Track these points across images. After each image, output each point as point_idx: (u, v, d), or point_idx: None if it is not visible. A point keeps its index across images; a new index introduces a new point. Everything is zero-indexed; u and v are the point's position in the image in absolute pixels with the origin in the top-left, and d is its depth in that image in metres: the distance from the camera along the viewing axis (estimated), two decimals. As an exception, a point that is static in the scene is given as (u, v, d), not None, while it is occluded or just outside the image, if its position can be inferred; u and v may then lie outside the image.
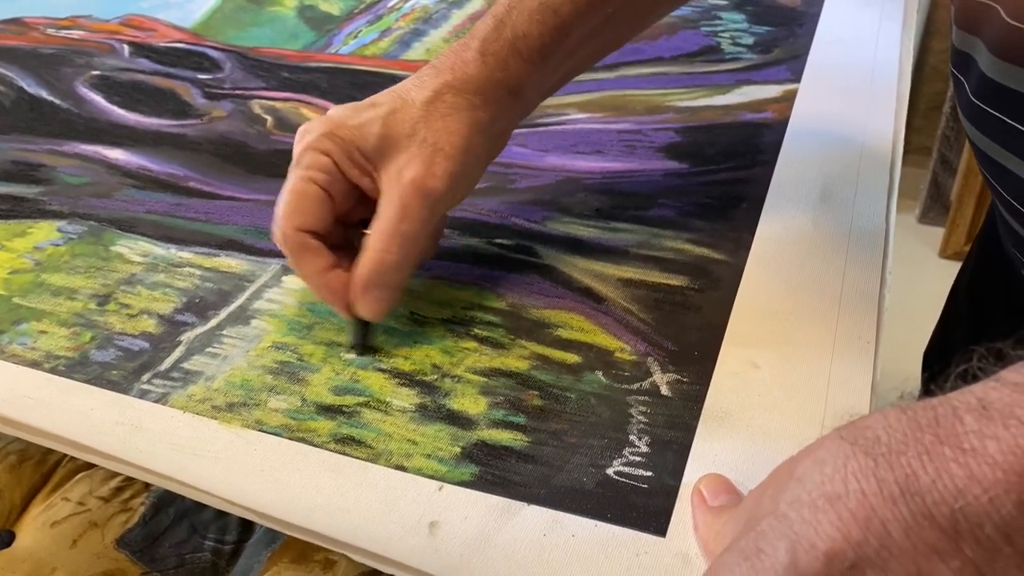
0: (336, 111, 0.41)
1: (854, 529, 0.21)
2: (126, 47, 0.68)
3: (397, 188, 0.38)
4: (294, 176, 0.39)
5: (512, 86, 0.42)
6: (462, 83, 0.40)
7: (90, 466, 0.63)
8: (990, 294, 0.53)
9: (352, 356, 0.39)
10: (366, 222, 0.39)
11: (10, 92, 0.62)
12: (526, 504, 0.32)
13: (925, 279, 0.62)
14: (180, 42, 0.69)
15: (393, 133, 0.39)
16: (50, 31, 0.71)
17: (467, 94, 0.40)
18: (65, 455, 0.60)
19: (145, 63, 0.65)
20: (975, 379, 0.22)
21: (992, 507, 0.19)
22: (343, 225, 0.41)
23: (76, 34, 0.70)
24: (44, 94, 0.61)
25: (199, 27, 0.72)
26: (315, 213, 0.39)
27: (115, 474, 0.63)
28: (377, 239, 0.38)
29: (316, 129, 0.40)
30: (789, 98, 0.59)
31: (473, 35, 0.42)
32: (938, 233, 1.70)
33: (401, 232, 0.38)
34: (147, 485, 0.61)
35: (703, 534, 0.30)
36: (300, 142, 0.40)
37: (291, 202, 0.38)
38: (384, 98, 0.41)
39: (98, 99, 0.61)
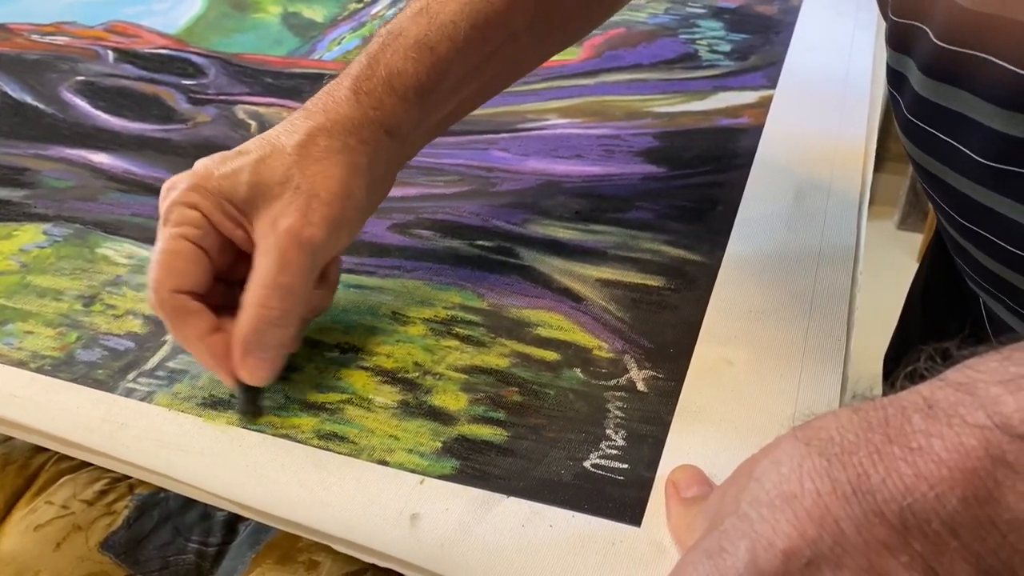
0: (202, 162, 0.38)
1: (810, 527, 0.22)
2: (110, 53, 0.68)
3: (273, 239, 0.36)
4: (164, 235, 0.36)
5: (388, 125, 0.40)
6: (335, 124, 0.38)
7: (74, 469, 0.64)
8: (942, 299, 0.54)
9: (252, 419, 0.37)
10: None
11: (-5, 97, 0.62)
12: (505, 496, 0.33)
13: (904, 284, 0.64)
14: (164, 48, 0.69)
15: (264, 181, 0.36)
16: (35, 37, 0.71)
17: (341, 136, 0.38)
18: (48, 459, 0.61)
19: (130, 69, 0.66)
20: (923, 379, 0.23)
21: (938, 503, 0.20)
22: (224, 284, 0.38)
23: (60, 40, 0.71)
24: (29, 99, 0.62)
25: (183, 33, 0.72)
26: (191, 272, 0.36)
27: (99, 477, 0.64)
28: (255, 294, 0.35)
29: (182, 183, 0.37)
30: (765, 104, 0.60)
31: (346, 74, 0.40)
32: (917, 239, 1.72)
33: (280, 285, 0.35)
34: (131, 488, 0.62)
35: (675, 524, 0.31)
36: (166, 198, 0.37)
37: (164, 263, 0.36)
38: (253, 145, 0.38)
39: (83, 104, 0.61)
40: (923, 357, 0.24)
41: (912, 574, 0.20)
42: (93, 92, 0.63)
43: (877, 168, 1.95)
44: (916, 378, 0.23)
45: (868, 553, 0.21)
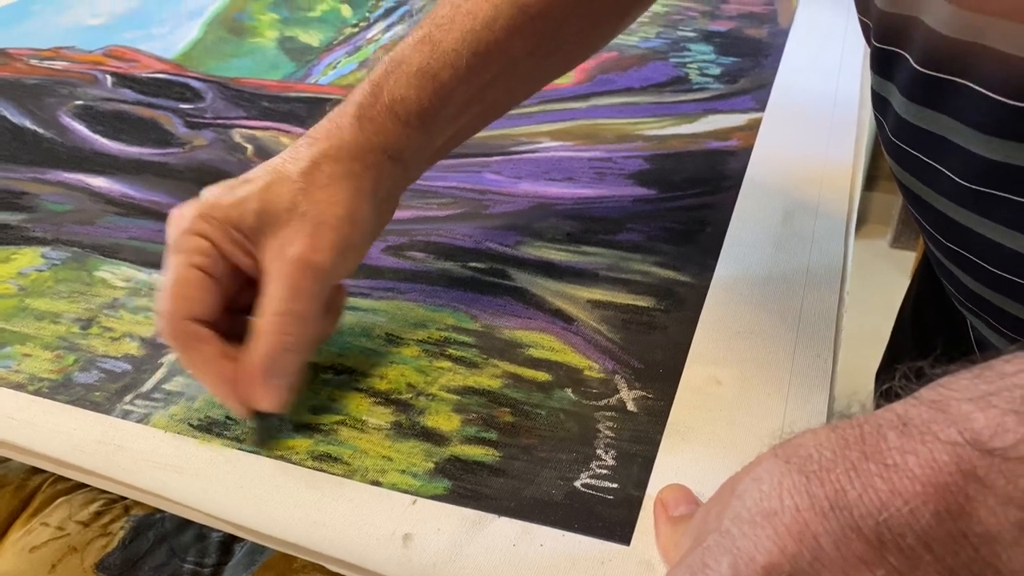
0: (209, 191, 0.38)
1: (789, 543, 0.22)
2: (109, 77, 0.69)
3: (282, 266, 0.36)
4: (173, 263, 0.37)
5: (392, 151, 0.40)
6: (339, 151, 0.39)
7: (69, 491, 0.64)
8: (931, 318, 0.55)
9: (267, 445, 0.37)
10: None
11: (-6, 121, 0.63)
12: (497, 516, 0.34)
13: (897, 302, 0.65)
14: (162, 73, 0.70)
15: (271, 208, 0.37)
16: (33, 62, 0.72)
17: (345, 161, 0.39)
18: (44, 480, 0.61)
19: (128, 93, 0.67)
20: (898, 396, 0.23)
21: (912, 518, 0.21)
22: (229, 312, 0.38)
23: (59, 65, 0.72)
24: (27, 123, 0.63)
25: (181, 58, 0.73)
26: (202, 299, 0.36)
27: (94, 498, 0.64)
28: (269, 322, 0.35)
29: (190, 212, 0.37)
30: (754, 127, 0.61)
31: (349, 101, 0.41)
32: (910, 257, 1.73)
33: (293, 312, 0.36)
34: (126, 509, 0.62)
35: (664, 543, 0.32)
36: (174, 225, 0.38)
37: (175, 291, 0.36)
38: (258, 173, 0.39)
39: (81, 128, 0.62)
40: (898, 375, 0.24)
41: None
42: (91, 116, 0.64)
43: (870, 187, 1.96)
44: (892, 396, 0.24)
45: (846, 567, 0.21)
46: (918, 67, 0.34)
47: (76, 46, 0.75)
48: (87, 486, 0.61)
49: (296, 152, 0.39)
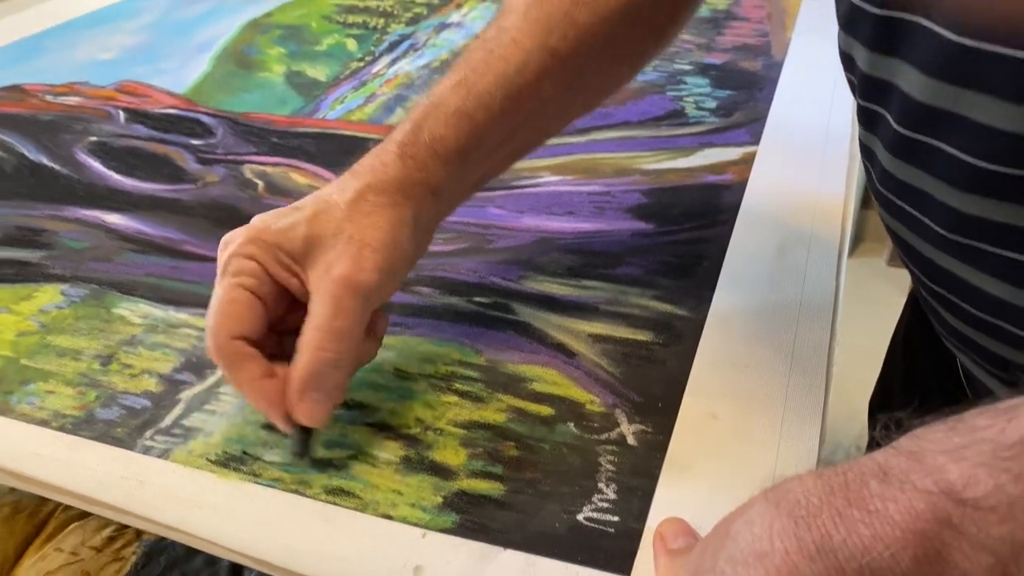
0: (260, 217, 0.41)
1: None
2: (121, 113, 0.71)
3: (328, 285, 0.38)
4: (223, 285, 0.39)
5: (432, 185, 0.43)
6: (383, 183, 0.41)
7: (82, 516, 0.66)
8: (921, 347, 0.57)
9: (304, 461, 0.39)
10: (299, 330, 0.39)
11: (11, 158, 0.65)
12: (503, 549, 0.35)
13: (893, 318, 0.66)
14: (173, 108, 0.72)
15: (319, 233, 0.39)
16: (48, 98, 0.74)
17: (389, 193, 0.41)
18: (57, 506, 0.63)
19: (140, 129, 0.69)
20: (879, 446, 0.25)
21: (893, 562, 0.23)
22: (276, 334, 0.40)
23: (73, 100, 0.74)
24: (44, 160, 0.64)
25: (191, 92, 0.75)
26: (248, 319, 0.38)
27: (107, 524, 0.65)
28: (311, 337, 0.37)
29: (239, 236, 0.40)
30: (748, 160, 0.63)
31: (391, 139, 0.43)
32: (906, 275, 1.75)
33: (335, 329, 0.38)
34: (138, 534, 0.64)
35: (662, 574, 0.33)
36: (224, 251, 0.40)
37: (223, 310, 0.38)
38: (307, 202, 0.41)
39: (96, 165, 0.64)
40: (879, 426, 0.26)
41: None
42: (106, 152, 0.65)
43: (867, 205, 1.97)
44: (874, 445, 0.26)
45: None
46: (897, 127, 0.36)
47: (89, 81, 0.77)
48: (100, 512, 0.62)
49: (343, 184, 0.42)
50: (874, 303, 1.68)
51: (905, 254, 0.41)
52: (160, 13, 0.93)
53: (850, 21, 0.37)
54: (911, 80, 0.34)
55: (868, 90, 0.38)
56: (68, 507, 0.66)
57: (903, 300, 0.69)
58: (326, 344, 0.37)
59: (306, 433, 0.39)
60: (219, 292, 0.39)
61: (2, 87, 0.76)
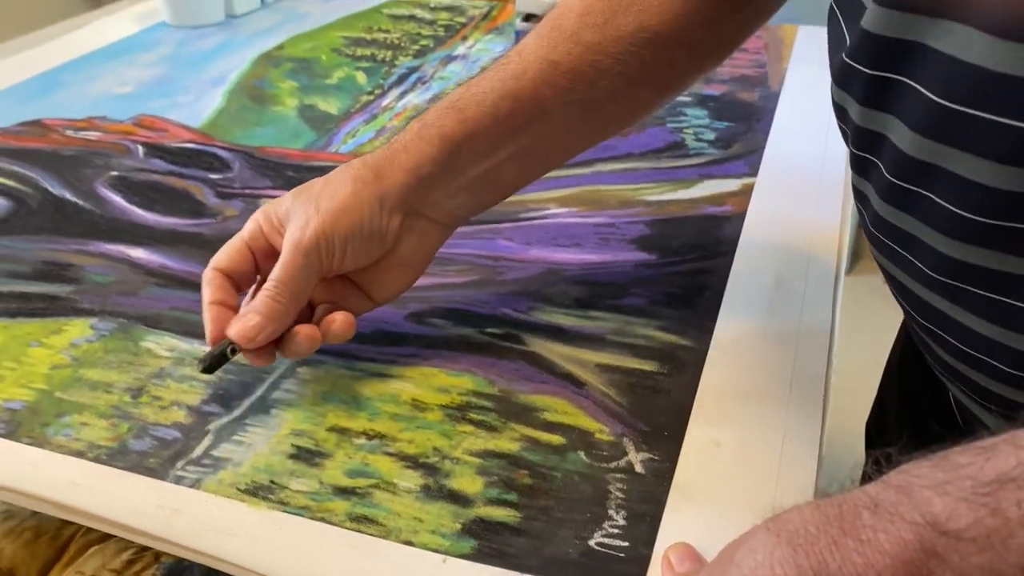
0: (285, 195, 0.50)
1: None
2: (140, 148, 0.74)
3: (282, 242, 0.47)
4: (233, 237, 0.49)
5: (412, 166, 0.48)
6: (363, 163, 0.48)
7: (102, 540, 0.68)
8: (914, 372, 0.59)
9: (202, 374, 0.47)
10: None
11: (36, 194, 0.67)
12: (520, 574, 0.37)
13: (890, 335, 0.69)
14: (190, 142, 0.75)
15: (297, 203, 0.48)
16: (68, 132, 0.77)
17: (359, 170, 0.48)
18: (77, 530, 0.65)
19: (159, 163, 0.71)
20: (870, 479, 0.28)
21: None
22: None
23: (93, 135, 0.76)
24: (67, 195, 0.67)
25: (207, 126, 0.78)
26: (233, 259, 0.48)
27: (126, 547, 0.68)
28: (267, 282, 0.46)
29: (261, 207, 0.50)
30: (747, 192, 0.66)
31: (397, 137, 0.50)
32: (904, 292, 1.77)
33: (277, 277, 0.46)
34: (157, 557, 0.66)
35: (671, 597, 0.35)
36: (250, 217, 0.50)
37: (220, 251, 0.48)
38: (308, 181, 0.50)
39: (118, 199, 0.66)
40: (870, 461, 0.28)
41: None
42: (127, 187, 0.68)
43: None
44: (865, 479, 0.28)
45: None
46: (889, 176, 0.38)
47: (107, 115, 0.80)
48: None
49: (345, 165, 0.49)
50: (872, 319, 1.70)
51: (897, 292, 0.43)
52: (174, 46, 0.96)
53: (843, 77, 0.40)
54: (901, 135, 0.36)
55: (861, 141, 0.40)
56: (88, 531, 0.68)
57: (899, 316, 0.71)
58: (270, 287, 0.46)
59: (222, 358, 0.46)
60: (228, 241, 0.49)
61: (23, 122, 0.79)
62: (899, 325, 0.69)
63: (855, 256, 1.89)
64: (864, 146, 0.40)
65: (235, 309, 0.47)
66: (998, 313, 0.36)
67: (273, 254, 0.48)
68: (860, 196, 0.43)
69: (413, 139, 0.48)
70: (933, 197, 0.36)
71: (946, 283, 0.38)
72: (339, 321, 0.47)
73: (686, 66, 0.51)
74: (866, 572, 0.25)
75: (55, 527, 0.73)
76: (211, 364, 0.45)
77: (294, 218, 0.47)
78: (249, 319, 0.45)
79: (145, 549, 0.68)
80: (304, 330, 0.47)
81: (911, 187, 0.37)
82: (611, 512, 0.40)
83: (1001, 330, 0.37)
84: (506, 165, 0.49)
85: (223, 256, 0.48)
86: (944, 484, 0.25)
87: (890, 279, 0.43)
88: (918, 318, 0.42)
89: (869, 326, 1.51)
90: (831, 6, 0.42)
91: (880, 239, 0.41)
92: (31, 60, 0.92)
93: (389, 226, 0.48)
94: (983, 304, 0.37)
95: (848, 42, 0.39)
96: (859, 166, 0.42)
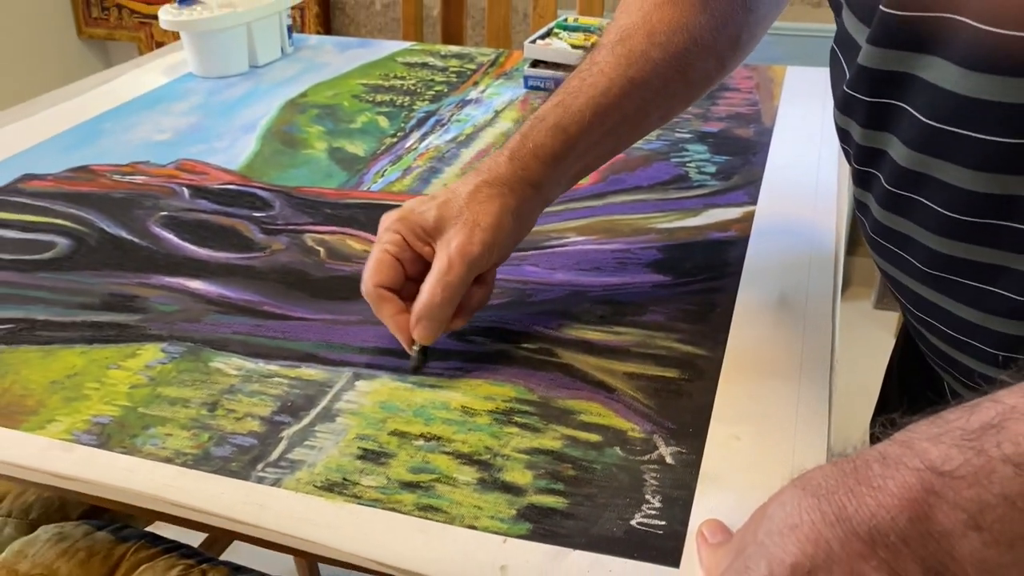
0: (407, 203, 0.57)
1: (808, 547, 0.32)
2: (186, 190, 0.80)
3: (446, 251, 0.53)
4: (375, 249, 0.55)
5: (532, 181, 0.57)
6: (495, 180, 0.56)
7: (151, 558, 0.73)
8: (915, 372, 0.65)
9: (417, 375, 0.55)
10: None
11: (93, 233, 0.73)
12: (572, 550, 0.43)
13: (883, 358, 0.74)
14: (231, 184, 0.81)
15: (445, 215, 0.55)
16: (116, 177, 0.82)
17: (498, 186, 0.56)
18: (128, 549, 0.70)
19: (205, 203, 0.77)
20: (878, 440, 0.33)
21: (893, 523, 0.31)
22: (416, 283, 0.55)
23: (139, 179, 0.82)
24: (123, 234, 0.72)
25: (244, 169, 0.84)
26: (388, 273, 0.54)
27: (174, 564, 0.73)
28: (429, 284, 0.53)
29: (392, 216, 0.56)
30: (748, 218, 0.72)
31: (505, 146, 0.58)
32: (892, 317, 1.84)
33: (445, 281, 0.53)
34: (203, 573, 0.71)
35: (707, 564, 0.41)
36: (381, 225, 0.57)
37: (372, 267, 0.55)
38: (441, 193, 0.57)
39: (171, 237, 0.72)
40: (878, 424, 0.34)
41: (880, 575, 0.30)
42: (177, 225, 0.74)
43: (853, 252, 2.07)
44: (873, 440, 0.34)
45: (849, 561, 0.31)
46: (887, 186, 0.45)
47: (151, 160, 0.86)
48: (168, 553, 0.69)
49: (466, 180, 0.57)
50: (864, 343, 1.77)
51: (894, 288, 0.50)
52: (203, 96, 1.02)
53: (845, 105, 0.47)
54: (897, 150, 0.43)
55: (863, 157, 0.47)
56: (139, 549, 0.73)
57: (890, 339, 0.77)
58: (437, 290, 0.53)
59: (422, 355, 0.55)
60: (373, 253, 0.55)
61: (72, 168, 0.84)
62: (888, 346, 0.75)
63: (844, 283, 1.97)
64: (865, 162, 0.47)
65: (407, 311, 0.54)
66: (981, 300, 0.43)
67: (418, 260, 0.55)
68: (861, 207, 0.50)
69: (531, 159, 0.57)
70: (925, 201, 0.43)
71: (937, 276, 0.44)
72: (479, 294, 0.56)
73: (722, 65, 0.63)
74: (878, 511, 0.31)
75: (107, 547, 0.79)
76: (418, 365, 0.55)
77: (453, 230, 0.54)
78: (426, 324, 0.53)
79: (192, 567, 0.73)
80: (457, 318, 0.56)
81: (906, 194, 0.44)
82: (648, 497, 0.46)
83: (984, 315, 0.43)
84: (592, 162, 0.61)
85: (378, 274, 0.54)
86: (939, 436, 0.31)
87: (888, 278, 0.50)
88: (913, 310, 0.48)
89: (859, 349, 1.57)
90: (832, 47, 0.49)
91: (879, 242, 0.48)
92: (69, 111, 0.98)
93: (521, 231, 0.58)
94: (969, 293, 0.43)
95: (847, 76, 0.46)
96: (861, 180, 0.48)
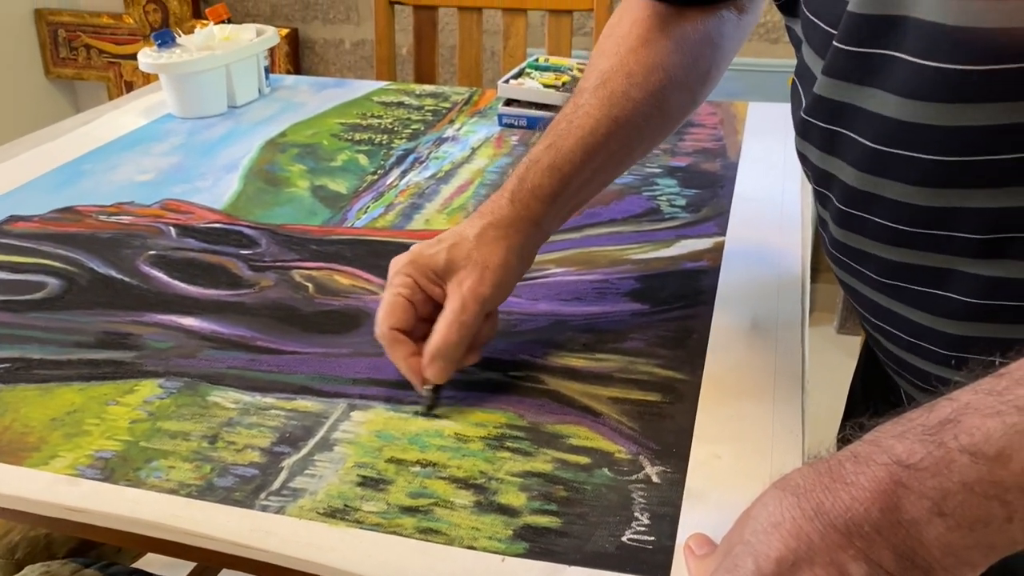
0: (416, 246, 0.60)
1: (791, 541, 0.35)
2: (172, 229, 0.81)
3: (458, 293, 0.56)
4: (387, 292, 0.58)
5: (534, 220, 0.61)
6: (499, 222, 0.60)
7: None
8: (877, 390, 0.69)
9: (430, 415, 0.56)
10: None
11: (84, 273, 0.74)
12: (568, 566, 0.45)
13: (845, 382, 0.78)
14: (217, 222, 0.83)
15: (455, 258, 0.58)
16: (101, 218, 0.84)
17: (503, 228, 0.59)
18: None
19: (192, 242, 0.79)
20: (849, 442, 0.36)
21: (867, 515, 0.34)
22: (427, 323, 0.57)
23: (125, 219, 0.84)
24: (113, 273, 0.74)
25: (229, 208, 0.86)
26: (401, 316, 0.56)
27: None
28: (442, 325, 0.56)
29: (403, 259, 0.59)
30: (719, 248, 0.75)
31: (504, 189, 0.62)
32: (855, 341, 1.89)
33: (459, 321, 0.56)
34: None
35: (694, 574, 0.43)
36: (392, 269, 0.59)
37: (386, 310, 0.57)
38: (448, 235, 0.60)
39: (160, 275, 0.74)
40: (848, 427, 0.37)
41: (858, 563, 0.33)
42: (166, 264, 0.75)
43: (816, 279, 2.14)
44: (845, 441, 0.37)
45: (829, 552, 0.34)
46: (840, 205, 0.49)
47: (135, 201, 0.87)
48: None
49: (472, 222, 0.60)
50: (827, 367, 1.81)
51: (853, 298, 0.54)
52: (184, 136, 1.04)
53: (804, 130, 0.51)
54: (847, 172, 0.48)
55: (820, 178, 0.51)
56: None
57: (853, 363, 0.81)
58: (451, 330, 0.55)
59: (434, 394, 0.56)
60: (385, 297, 0.57)
61: (56, 209, 0.86)
62: (851, 368, 0.79)
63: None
64: (822, 183, 0.51)
65: (419, 353, 0.56)
66: (932, 304, 0.47)
67: (429, 301, 0.58)
68: (822, 223, 0.54)
69: (531, 199, 0.61)
70: (873, 217, 0.47)
71: (890, 284, 0.49)
72: (486, 329, 0.59)
73: (694, 99, 0.68)
74: (852, 505, 0.34)
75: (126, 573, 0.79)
76: (433, 404, 0.57)
77: (464, 272, 0.57)
78: (440, 364, 0.55)
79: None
80: (471, 354, 0.59)
81: (856, 212, 0.48)
82: (636, 514, 0.48)
83: (934, 317, 0.47)
84: (584, 198, 0.66)
85: (391, 316, 0.56)
86: (903, 433, 0.34)
87: (847, 289, 0.54)
88: (870, 318, 0.53)
89: (824, 371, 1.62)
90: (793, 79, 0.54)
91: (837, 256, 0.52)
92: (49, 153, 1.00)
93: (524, 268, 0.62)
94: (920, 298, 0.47)
95: (804, 104, 0.50)
96: (819, 199, 0.53)
